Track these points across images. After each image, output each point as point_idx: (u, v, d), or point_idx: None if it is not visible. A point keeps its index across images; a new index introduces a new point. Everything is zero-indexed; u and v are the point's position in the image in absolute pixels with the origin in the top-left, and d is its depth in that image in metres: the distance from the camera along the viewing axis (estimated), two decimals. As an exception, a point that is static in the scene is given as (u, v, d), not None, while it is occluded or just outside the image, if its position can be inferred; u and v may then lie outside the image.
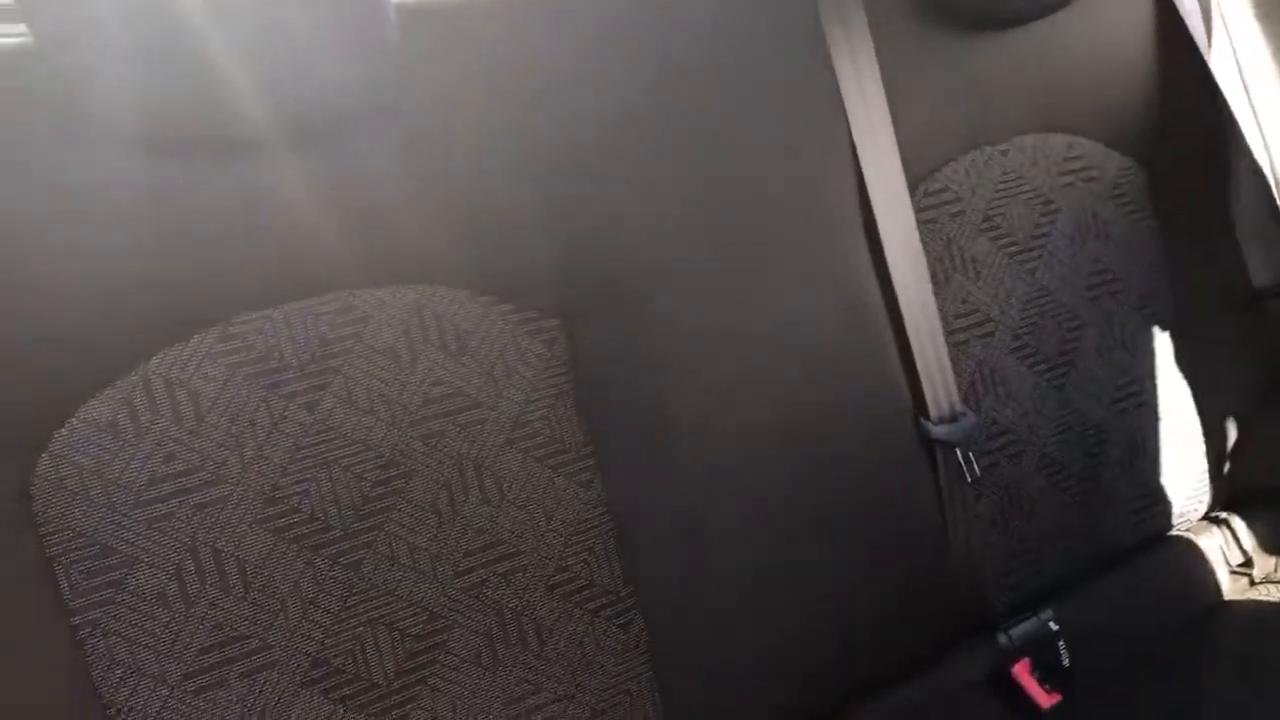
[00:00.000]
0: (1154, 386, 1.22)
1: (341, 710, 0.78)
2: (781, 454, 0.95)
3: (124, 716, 0.71)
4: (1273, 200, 1.24)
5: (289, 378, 0.78)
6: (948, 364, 1.06)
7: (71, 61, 0.67)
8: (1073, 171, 1.16)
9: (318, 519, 0.78)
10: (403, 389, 0.82)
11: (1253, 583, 1.26)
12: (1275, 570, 1.27)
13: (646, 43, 0.90)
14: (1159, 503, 1.22)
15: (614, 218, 0.90)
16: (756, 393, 0.94)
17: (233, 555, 0.75)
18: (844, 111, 1.00)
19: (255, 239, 0.77)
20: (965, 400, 1.08)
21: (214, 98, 0.70)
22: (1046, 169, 1.14)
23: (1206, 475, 1.25)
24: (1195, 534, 1.26)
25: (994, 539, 1.09)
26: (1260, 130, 1.24)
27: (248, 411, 0.76)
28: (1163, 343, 1.23)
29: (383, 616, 0.80)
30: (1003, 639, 1.11)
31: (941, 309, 1.07)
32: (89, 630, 0.71)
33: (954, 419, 1.05)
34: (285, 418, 0.78)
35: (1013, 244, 1.12)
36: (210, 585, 0.75)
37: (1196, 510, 1.26)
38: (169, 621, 0.73)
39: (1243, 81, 1.24)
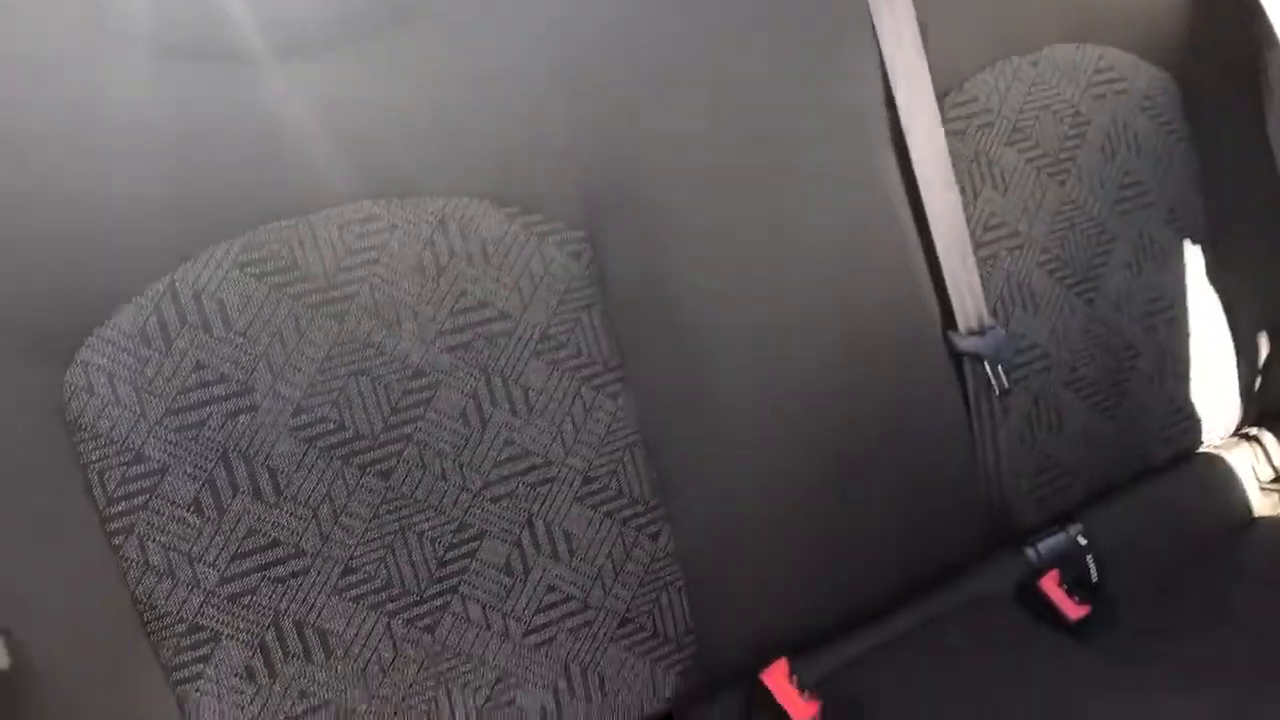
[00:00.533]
0: (1184, 301, 1.21)
1: (374, 616, 0.79)
2: (809, 365, 0.94)
3: (159, 620, 0.72)
4: (1309, 111, 1.21)
5: (315, 288, 0.78)
6: (976, 277, 1.05)
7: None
8: (1104, 83, 1.14)
9: (347, 428, 0.78)
10: (429, 300, 0.82)
11: (1283, 498, 1.26)
12: (1306, 487, 1.26)
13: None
14: (1189, 419, 1.21)
15: (639, 127, 0.89)
16: (783, 303, 0.93)
17: (264, 463, 0.76)
18: (870, 19, 0.98)
19: (278, 149, 0.77)
20: (993, 314, 1.07)
21: (234, 4, 0.69)
22: (1077, 80, 1.12)
23: (1237, 391, 1.24)
24: (1225, 450, 1.26)
25: (1022, 453, 1.08)
26: (1298, 40, 1.21)
27: (275, 322, 0.76)
28: (1194, 257, 1.21)
29: (413, 525, 0.81)
30: (1030, 553, 1.11)
31: (970, 222, 1.06)
32: (124, 536, 0.72)
33: (982, 332, 1.04)
34: (313, 328, 0.78)
35: (1042, 156, 1.11)
36: (243, 493, 0.75)
37: (1227, 426, 1.25)
38: (202, 528, 0.74)
39: (1280, -11, 1.21)
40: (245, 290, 0.76)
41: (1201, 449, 1.24)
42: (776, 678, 0.88)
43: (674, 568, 0.91)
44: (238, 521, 0.75)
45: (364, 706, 0.78)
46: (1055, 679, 0.96)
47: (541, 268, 0.86)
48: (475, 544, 0.83)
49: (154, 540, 0.73)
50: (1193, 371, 1.22)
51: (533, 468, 0.85)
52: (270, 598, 0.76)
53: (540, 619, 0.85)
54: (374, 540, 0.79)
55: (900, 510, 1.00)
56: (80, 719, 0.69)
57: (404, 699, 0.80)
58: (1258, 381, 1.27)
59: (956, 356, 1.04)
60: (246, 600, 0.75)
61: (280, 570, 0.76)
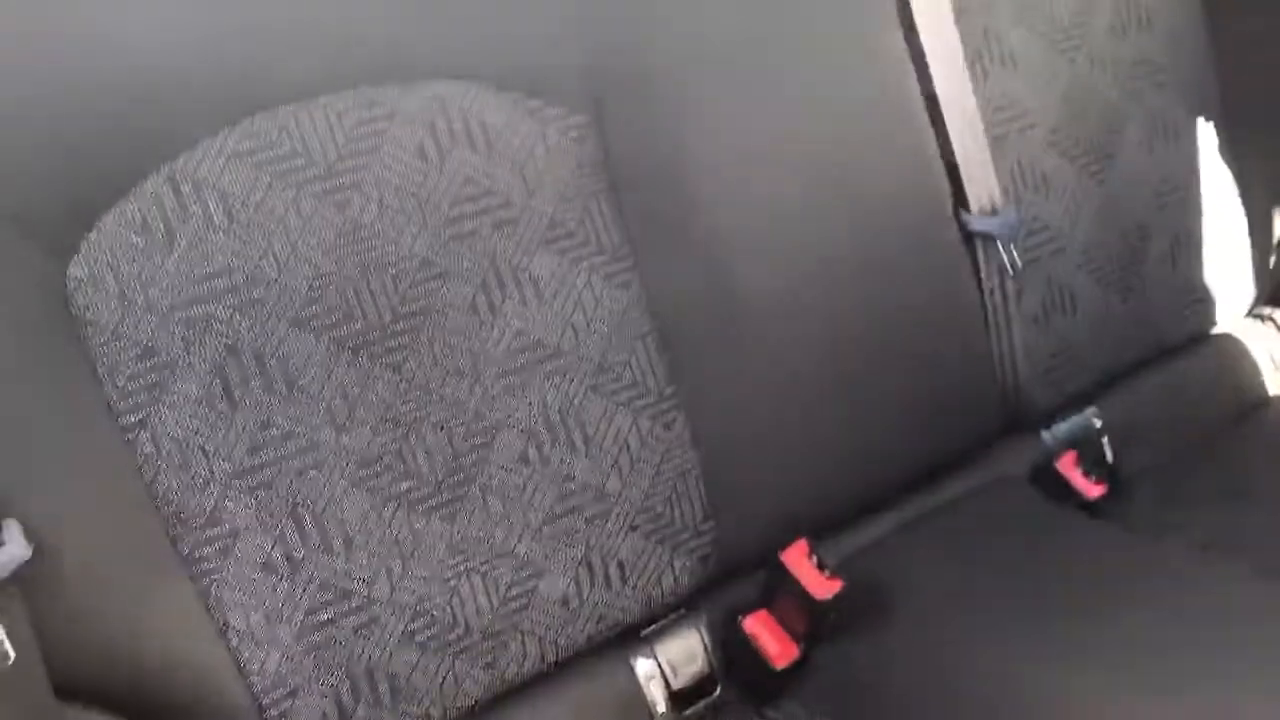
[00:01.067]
0: (1198, 181, 1.19)
1: (392, 508, 0.79)
2: (821, 249, 0.93)
3: (177, 514, 0.72)
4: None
5: (317, 175, 0.76)
6: (987, 156, 1.03)
7: None
8: (1114, -43, 1.11)
9: (356, 319, 0.77)
10: (433, 188, 0.80)
11: (1298, 378, 1.25)
12: (1322, 366, 1.25)
13: None
14: (1203, 299, 1.20)
15: (643, 9, 0.87)
16: (794, 187, 0.92)
17: (274, 356, 0.75)
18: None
19: (275, 35, 0.75)
20: (1005, 196, 1.05)
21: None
22: (1086, -45, 1.09)
23: (1252, 271, 1.23)
24: (1240, 331, 1.25)
25: (1036, 336, 1.07)
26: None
27: (278, 212, 0.75)
28: (1207, 136, 1.19)
29: (428, 417, 0.80)
30: (1046, 436, 1.11)
31: (980, 103, 1.03)
32: (137, 430, 0.71)
33: (994, 212, 1.03)
34: (317, 217, 0.76)
35: (1052, 34, 1.08)
36: (254, 386, 0.74)
37: (1241, 307, 1.24)
38: (215, 422, 0.73)
39: None
40: (246, 180, 0.74)
41: (1216, 330, 1.23)
42: (796, 557, 0.87)
43: (690, 456, 0.90)
44: (251, 414, 0.74)
45: (386, 596, 0.78)
46: (1075, 554, 0.96)
47: (545, 154, 0.84)
48: (491, 435, 0.82)
49: (167, 434, 0.72)
50: (1206, 252, 1.20)
51: (545, 358, 0.84)
52: (288, 490, 0.75)
53: (559, 509, 0.85)
54: (389, 432, 0.79)
55: (915, 394, 0.99)
56: (102, 610, 0.69)
57: (426, 589, 0.80)
58: (1272, 261, 1.26)
59: (969, 238, 1.02)
60: (263, 493, 0.75)
61: (296, 462, 0.76)
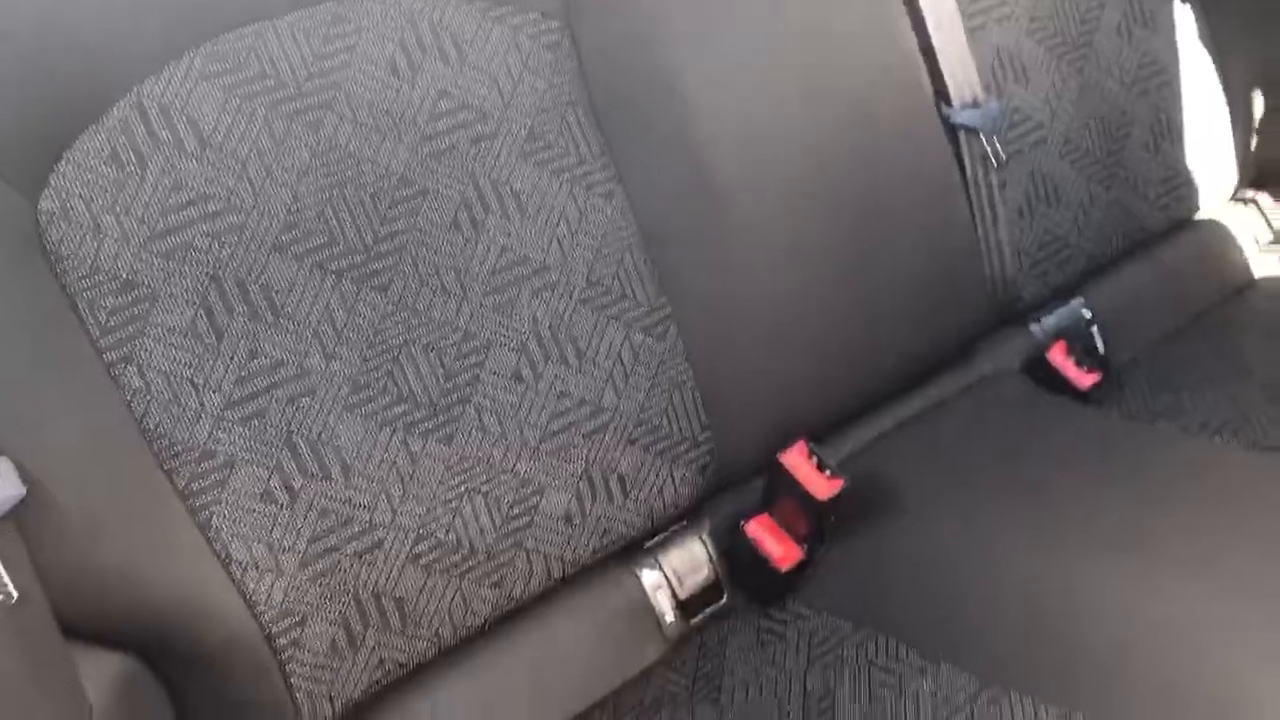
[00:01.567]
0: (1177, 65, 1.18)
1: (388, 432, 0.78)
2: (804, 150, 0.92)
3: (170, 448, 0.71)
4: None
5: (288, 96, 0.74)
6: (966, 48, 1.02)
7: None
8: None
9: (338, 241, 0.76)
10: (407, 104, 0.78)
11: (1282, 258, 1.25)
12: (1305, 244, 1.25)
13: None
14: (1185, 184, 1.20)
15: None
16: (774, 85, 0.90)
17: (257, 283, 0.73)
18: None
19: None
20: (986, 88, 1.04)
21: None
22: None
23: (1233, 154, 1.22)
24: (1223, 215, 1.24)
25: (1022, 228, 1.07)
26: None
27: (251, 134, 0.73)
28: (1185, 17, 1.18)
29: (417, 338, 0.79)
30: (1035, 328, 1.11)
31: (957, -7, 1.02)
32: (122, 366, 0.70)
33: (976, 105, 1.01)
34: (290, 138, 0.74)
35: (1025, -80, 1.06)
36: (239, 315, 0.73)
37: (1224, 191, 1.23)
38: (202, 353, 0.72)
39: None
40: (215, 103, 0.72)
41: (1199, 215, 1.23)
42: (796, 458, 0.87)
43: (684, 365, 0.89)
44: (237, 344, 0.73)
45: (388, 520, 0.78)
46: (1071, 442, 0.96)
47: (519, 62, 0.82)
48: (483, 354, 0.81)
49: (153, 367, 0.70)
50: (1187, 137, 1.19)
51: (532, 274, 0.83)
52: (280, 419, 0.74)
53: (555, 425, 0.84)
54: (380, 355, 0.78)
55: (905, 291, 0.99)
56: (102, 547, 0.68)
57: (428, 511, 0.79)
58: (1253, 143, 1.25)
59: (952, 132, 1.01)
60: (257, 423, 0.73)
61: (287, 390, 0.74)
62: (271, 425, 0.74)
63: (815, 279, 0.94)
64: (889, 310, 0.98)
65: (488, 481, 0.81)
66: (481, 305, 0.81)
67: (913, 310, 0.99)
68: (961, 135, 1.01)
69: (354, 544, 0.76)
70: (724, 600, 0.93)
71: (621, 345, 0.87)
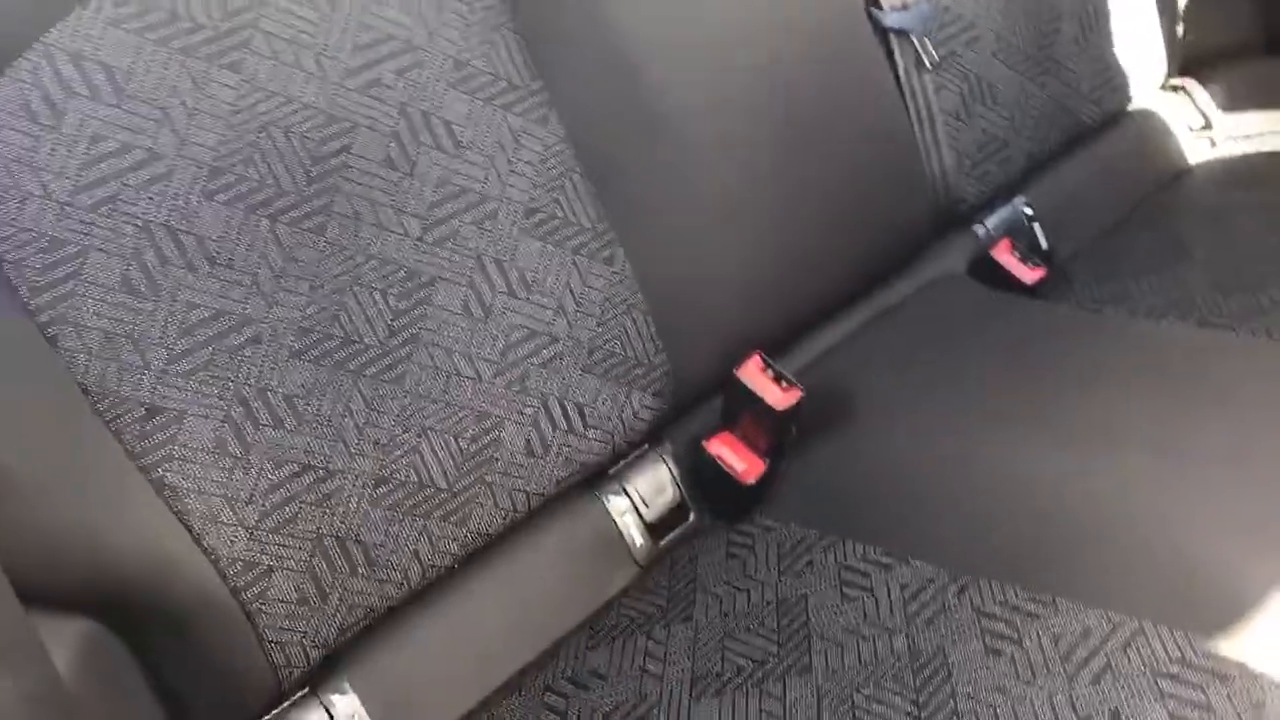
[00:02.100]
0: (1101, -44, 1.18)
1: (339, 374, 0.76)
2: (735, 62, 0.91)
3: (114, 408, 0.69)
4: None
5: (204, 39, 0.72)
6: (892, -51, 1.01)
7: None
8: None
9: (269, 184, 0.74)
10: (328, 38, 0.76)
11: (1213, 144, 1.26)
12: (1235, 128, 1.26)
13: None
14: (1116, 76, 1.20)
15: None
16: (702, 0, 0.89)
17: (189, 232, 0.71)
18: None
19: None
20: (915, -11, 1.03)
21: None
22: None
23: (1161, 43, 1.23)
24: (1156, 104, 1.25)
25: (960, 130, 1.06)
26: None
27: (168, 79, 0.71)
28: (1106, -93, 1.18)
29: (360, 278, 0.77)
30: (979, 229, 1.11)
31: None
32: (58, 327, 0.68)
33: (905, 6, 1.01)
34: (210, 82, 0.72)
35: None
36: (173, 267, 0.71)
37: (1154, 80, 1.24)
38: (138, 308, 0.70)
39: None
40: (128, 48, 0.70)
41: (1132, 106, 1.24)
42: (752, 371, 0.87)
43: (634, 290, 0.89)
44: (175, 296, 0.71)
45: (346, 465, 0.77)
46: (1022, 336, 0.97)
47: (441, -10, 0.80)
48: (429, 290, 0.80)
49: (89, 326, 0.68)
50: (1115, 28, 1.20)
51: (471, 205, 0.82)
52: (227, 369, 0.73)
53: (509, 358, 0.83)
54: (323, 298, 0.76)
55: (848, 200, 0.99)
56: (51, 511, 0.66)
57: (386, 453, 0.78)
58: (1180, 31, 1.26)
59: (885, 36, 1.01)
60: (202, 375, 0.72)
61: (232, 340, 0.73)
62: (218, 377, 0.72)
63: (757, 194, 0.93)
64: (833, 219, 0.97)
65: (444, 419, 0.81)
66: (422, 240, 0.80)
67: (857, 218, 0.99)
68: (893, 39, 1.01)
69: (313, 491, 0.75)
70: (691, 520, 0.93)
71: (569, 273, 0.86)
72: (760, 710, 0.72)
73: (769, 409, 0.87)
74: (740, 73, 0.90)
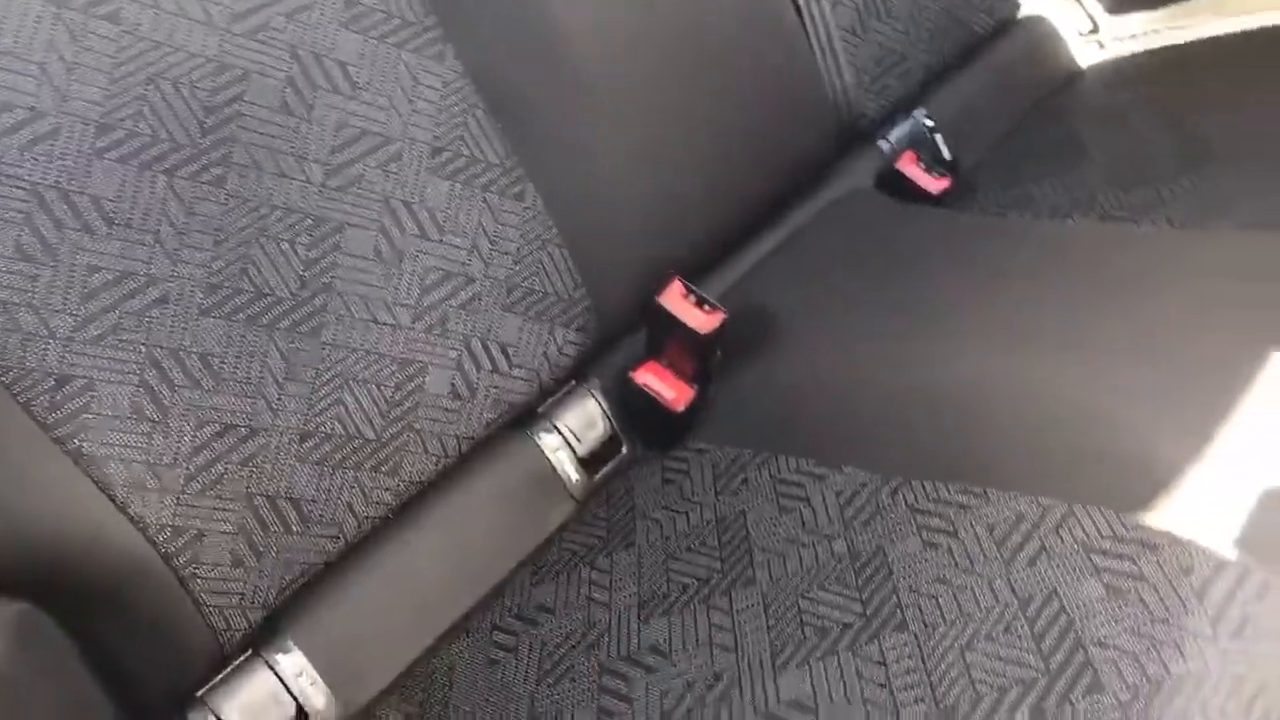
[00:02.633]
0: None
1: (253, 331, 0.74)
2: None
3: (20, 380, 0.66)
4: None
5: (76, -13, 0.69)
6: None
7: None
8: None
9: (162, 139, 0.71)
10: (210, -18, 0.73)
11: (1102, 46, 1.29)
12: (1121, 29, 1.29)
13: None
14: (1006, -15, 1.22)
15: None
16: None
17: (82, 193, 0.69)
18: None
19: None
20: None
21: None
22: None
23: (1045, -50, 1.25)
24: (1044, 10, 1.27)
25: (857, 47, 1.07)
26: None
27: (42, 33, 0.68)
28: None
29: (266, 230, 0.75)
30: (883, 144, 1.12)
31: None
32: (-49, 300, 0.65)
33: (796, -77, 1.01)
34: (88, 34, 0.69)
35: None
36: (69, 230, 0.68)
37: (1042, -14, 1.26)
38: (35, 275, 0.67)
39: None
40: (-4, 3, 0.66)
41: (1021, 13, 1.25)
42: (673, 297, 0.87)
43: (548, 225, 0.88)
44: (74, 260, 0.68)
45: (269, 421, 0.75)
46: (933, 241, 0.98)
47: (325, -76, 0.78)
48: (337, 237, 0.78)
49: (-14, 297, 0.66)
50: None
51: (374, 148, 0.80)
52: (136, 332, 0.70)
53: (426, 301, 0.82)
54: (229, 253, 0.74)
55: (752, 121, 0.99)
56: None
57: (309, 407, 0.76)
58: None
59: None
60: (111, 340, 0.69)
61: (138, 302, 0.70)
62: (127, 341, 0.70)
63: (664, 122, 0.93)
64: (740, 143, 0.97)
65: (366, 368, 0.79)
66: (326, 186, 0.78)
67: (763, 140, 0.99)
68: (785, -43, 1.00)
69: (238, 451, 0.74)
70: (624, 452, 0.93)
71: (480, 211, 0.84)
72: (709, 624, 0.73)
73: (693, 334, 0.87)
74: (641, 2, 0.89)
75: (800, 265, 1.00)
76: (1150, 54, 1.24)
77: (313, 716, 0.75)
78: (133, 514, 0.69)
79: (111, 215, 0.69)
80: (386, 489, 0.80)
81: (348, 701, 0.77)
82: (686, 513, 0.84)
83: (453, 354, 0.83)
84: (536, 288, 0.87)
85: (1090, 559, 0.67)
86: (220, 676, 0.74)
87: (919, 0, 1.12)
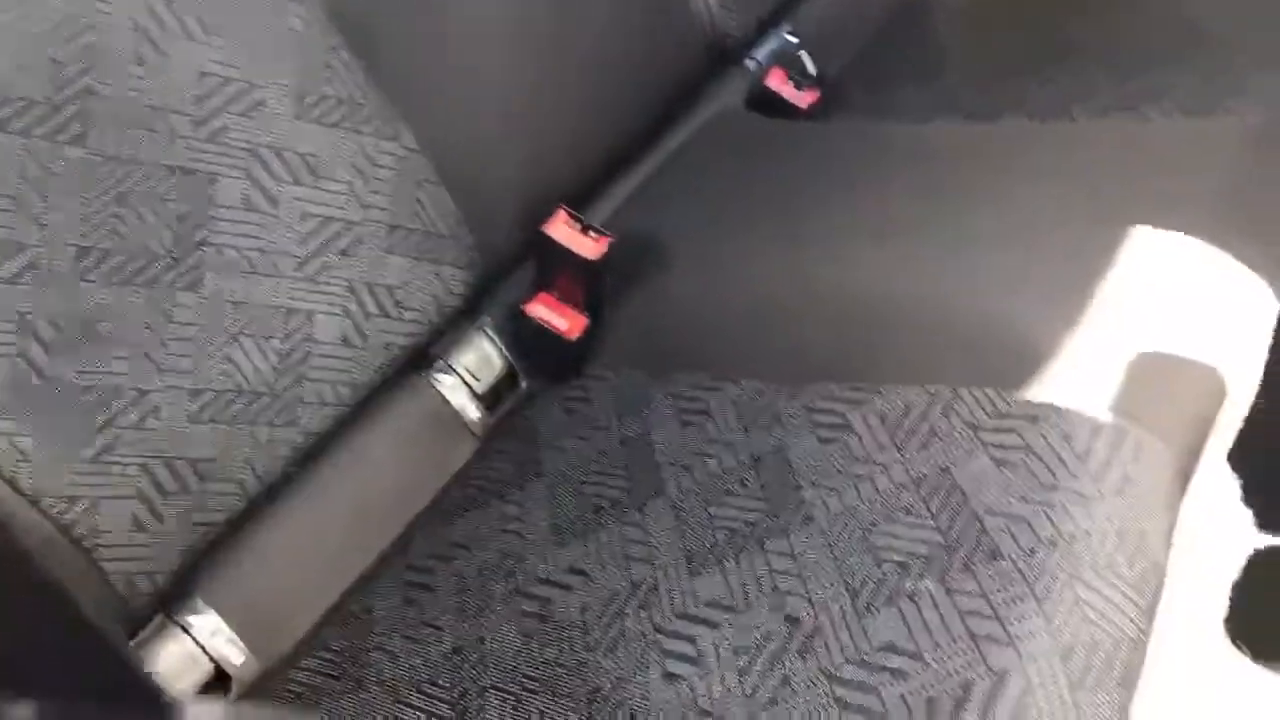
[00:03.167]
0: None
1: (129, 291, 0.72)
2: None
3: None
4: None
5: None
6: None
7: None
8: None
9: (14, 99, 0.68)
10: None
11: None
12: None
13: None
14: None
15: None
16: None
17: (-70, 161, 0.66)
18: None
19: None
20: None
21: None
22: None
23: None
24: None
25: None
26: None
27: None
28: None
29: (133, 188, 0.73)
30: (750, 63, 1.13)
31: None
32: None
33: None
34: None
35: None
36: (-80, 201, 0.65)
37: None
38: (-107, 249, 0.64)
39: None
40: None
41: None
42: (559, 226, 0.87)
43: (423, 163, 0.87)
44: (-69, 231, 0.65)
45: (157, 383, 0.73)
46: (807, 153, 1.00)
47: None
48: (209, 189, 0.76)
49: None
50: None
51: (237, 95, 0.78)
52: (10, 301, 0.67)
53: (306, 249, 0.80)
54: (97, 214, 0.71)
55: (625, 49, 0.99)
56: None
57: (196, 365, 0.75)
58: None
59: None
60: (-22, 312, 0.67)
61: (7, 270, 0.67)
62: (1, 310, 0.67)
63: (534, 53, 0.92)
64: (610, 69, 0.98)
65: (251, 321, 0.78)
66: (191, 137, 0.75)
67: (633, 64, 0.99)
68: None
69: (128, 415, 0.72)
70: (523, 386, 0.93)
71: (353, 153, 0.83)
72: (624, 540, 0.74)
73: (582, 261, 0.87)
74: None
75: (681, 187, 1.01)
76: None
77: (231, 673, 0.75)
78: (23, 486, 0.67)
79: (-34, 182, 0.67)
80: (285, 442, 0.79)
81: (265, 654, 0.76)
82: (593, 439, 0.85)
83: (339, 300, 0.82)
84: (418, 228, 0.86)
85: (978, 436, 0.70)
86: (133, 643, 0.73)
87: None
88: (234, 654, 0.75)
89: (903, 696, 0.58)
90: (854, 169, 0.95)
